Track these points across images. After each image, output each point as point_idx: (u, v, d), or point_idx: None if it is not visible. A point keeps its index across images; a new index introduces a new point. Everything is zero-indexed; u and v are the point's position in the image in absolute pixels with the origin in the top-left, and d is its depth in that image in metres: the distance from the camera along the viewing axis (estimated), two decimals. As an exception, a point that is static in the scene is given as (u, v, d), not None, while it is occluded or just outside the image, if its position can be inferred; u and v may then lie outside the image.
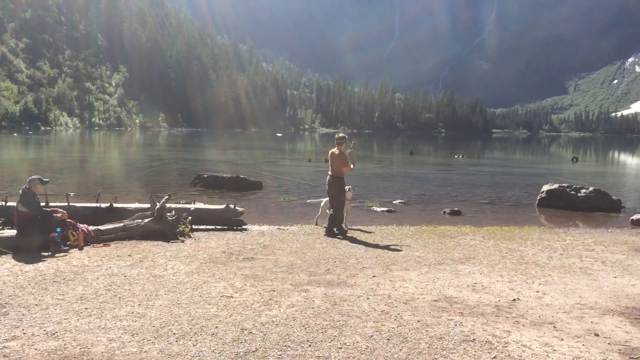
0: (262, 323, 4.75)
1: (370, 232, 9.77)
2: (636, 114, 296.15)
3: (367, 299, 5.59)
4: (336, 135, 9.84)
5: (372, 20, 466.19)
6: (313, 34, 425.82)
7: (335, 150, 9.63)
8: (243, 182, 16.99)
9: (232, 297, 5.52)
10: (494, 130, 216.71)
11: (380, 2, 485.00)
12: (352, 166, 9.61)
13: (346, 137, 9.82)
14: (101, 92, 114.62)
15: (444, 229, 10.53)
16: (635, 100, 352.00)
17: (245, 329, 4.58)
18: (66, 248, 7.56)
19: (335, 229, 9.48)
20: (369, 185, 18.66)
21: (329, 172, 9.70)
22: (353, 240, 9.04)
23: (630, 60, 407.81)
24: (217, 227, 9.81)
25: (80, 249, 7.61)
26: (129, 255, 7.28)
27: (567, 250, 8.65)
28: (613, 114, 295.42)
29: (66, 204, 8.99)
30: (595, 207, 14.22)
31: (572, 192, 14.69)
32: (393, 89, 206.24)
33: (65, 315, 4.83)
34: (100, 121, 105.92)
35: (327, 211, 10.57)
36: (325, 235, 9.36)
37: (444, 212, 13.32)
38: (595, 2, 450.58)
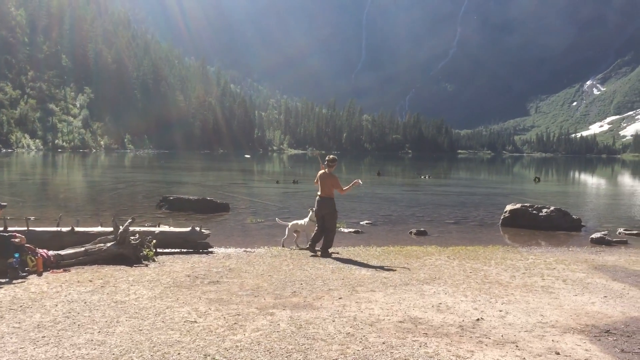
0: (225, 348, 4.68)
1: (337, 254, 9.78)
2: (595, 134, 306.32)
3: (333, 321, 5.57)
4: (329, 157, 10.06)
5: (340, 42, 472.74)
6: (280, 56, 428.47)
7: (325, 171, 9.84)
8: (210, 204, 16.83)
9: (195, 322, 5.43)
10: (460, 150, 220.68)
11: (347, 24, 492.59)
12: (344, 189, 9.97)
13: (336, 158, 10.22)
14: (65, 113, 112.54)
15: (410, 249, 10.62)
16: (594, 122, 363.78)
17: (209, 355, 4.51)
18: (24, 274, 7.32)
19: (318, 248, 9.80)
20: (337, 206, 18.67)
21: (319, 194, 9.86)
22: (320, 262, 9.03)
23: (588, 83, 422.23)
24: (183, 250, 9.67)
25: (39, 274, 7.39)
26: (90, 281, 7.10)
27: (530, 269, 8.81)
28: (573, 135, 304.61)
29: (25, 228, 8.74)
30: (556, 226, 14.56)
31: (534, 212, 15.02)
32: (360, 110, 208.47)
33: (21, 345, 4.67)
34: (64, 143, 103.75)
35: (294, 234, 10.63)
36: (321, 256, 9.51)
37: (411, 233, 13.43)
38: (554, 26, 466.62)
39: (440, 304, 6.42)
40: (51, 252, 7.94)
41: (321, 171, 9.95)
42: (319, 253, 9.69)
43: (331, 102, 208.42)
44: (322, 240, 9.91)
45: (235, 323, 5.41)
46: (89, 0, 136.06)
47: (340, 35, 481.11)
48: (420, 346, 4.88)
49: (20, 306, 5.83)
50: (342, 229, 13.34)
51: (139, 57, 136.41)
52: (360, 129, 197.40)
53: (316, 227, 10.07)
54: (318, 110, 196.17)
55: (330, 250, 9.82)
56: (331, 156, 10.14)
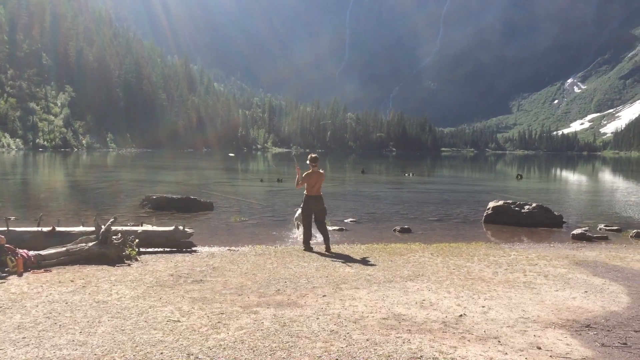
0: (209, 347, 4.66)
1: (321, 251, 9.79)
2: (576, 132, 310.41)
3: (317, 319, 5.57)
4: (311, 156, 10.38)
5: (323, 41, 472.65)
6: (264, 55, 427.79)
7: (315, 170, 10.14)
8: (193, 203, 16.71)
9: (179, 321, 5.39)
10: (443, 148, 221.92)
11: (330, 23, 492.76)
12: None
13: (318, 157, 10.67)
14: (46, 112, 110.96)
15: (394, 246, 10.65)
16: (575, 120, 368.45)
17: (192, 354, 4.48)
18: (4, 275, 7.23)
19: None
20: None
21: (312, 193, 10.13)
22: (304, 259, 9.02)
23: (569, 81, 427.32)
24: (166, 249, 9.60)
25: (20, 275, 7.29)
26: (72, 281, 7.02)
27: (512, 265, 8.89)
28: (554, 133, 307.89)
29: (5, 228, 8.63)
30: (538, 223, 14.70)
31: (517, 208, 15.15)
32: (344, 108, 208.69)
33: (1, 346, 4.60)
34: (45, 142, 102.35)
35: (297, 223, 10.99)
36: (326, 250, 9.86)
37: (395, 230, 13.48)
38: (535, 26, 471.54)
39: (423, 300, 6.46)
40: (32, 252, 7.84)
41: (309, 171, 10.07)
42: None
43: (315, 100, 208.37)
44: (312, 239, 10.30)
45: (219, 322, 5.39)
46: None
47: (324, 34, 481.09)
48: (403, 342, 4.91)
49: (0, 307, 5.75)
50: (327, 227, 13.32)
51: (121, 56, 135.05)
52: (345, 127, 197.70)
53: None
54: (302, 108, 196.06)
55: (316, 249, 9.93)
56: (313, 155, 10.46)
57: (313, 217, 10.21)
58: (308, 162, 10.15)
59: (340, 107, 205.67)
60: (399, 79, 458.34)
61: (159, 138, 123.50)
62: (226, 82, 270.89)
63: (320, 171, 10.29)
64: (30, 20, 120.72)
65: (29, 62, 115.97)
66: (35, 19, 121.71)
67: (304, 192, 10.27)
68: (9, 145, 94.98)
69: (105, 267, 7.98)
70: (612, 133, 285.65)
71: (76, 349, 4.55)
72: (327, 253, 9.65)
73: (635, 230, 13.32)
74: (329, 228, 13.13)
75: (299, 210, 10.77)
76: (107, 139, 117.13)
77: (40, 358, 4.35)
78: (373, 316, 5.73)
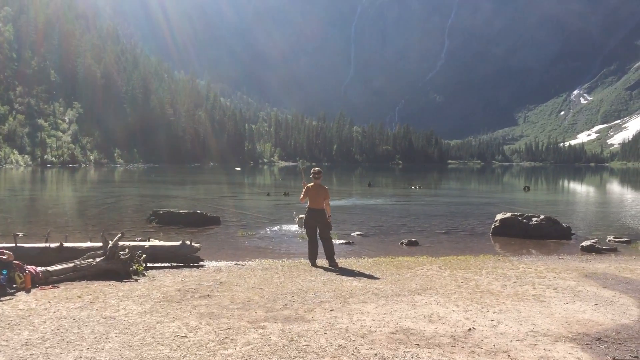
0: (216, 363, 4.64)
1: (328, 266, 9.75)
2: (583, 143, 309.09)
3: (325, 333, 5.54)
4: (314, 169, 10.27)
5: (328, 55, 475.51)
6: (270, 69, 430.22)
7: (317, 183, 10.03)
8: (200, 217, 16.76)
9: (186, 336, 5.38)
10: (450, 161, 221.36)
11: (335, 37, 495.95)
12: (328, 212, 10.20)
13: (321, 170, 10.50)
14: (54, 128, 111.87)
15: (401, 259, 10.61)
16: (582, 131, 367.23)
17: (199, 370, 4.46)
18: (12, 291, 7.24)
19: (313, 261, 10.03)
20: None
21: (311, 206, 10.01)
22: (311, 274, 8.99)
23: (575, 92, 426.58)
24: (173, 264, 9.61)
25: (28, 291, 7.31)
26: (79, 297, 7.03)
27: (521, 278, 8.82)
28: (561, 144, 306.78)
29: (13, 244, 8.66)
30: (546, 235, 14.62)
31: (525, 221, 15.08)
32: (350, 121, 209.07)
33: (9, 363, 4.60)
34: (53, 158, 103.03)
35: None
36: (330, 265, 9.72)
37: (402, 243, 13.43)
38: (539, 38, 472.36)
39: (432, 314, 6.41)
40: (39, 269, 7.86)
41: (310, 184, 10.02)
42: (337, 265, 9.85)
43: (321, 114, 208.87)
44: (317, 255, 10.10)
45: (226, 337, 5.37)
46: (77, 15, 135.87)
47: (329, 48, 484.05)
48: (412, 357, 4.87)
49: (8, 324, 5.75)
50: (334, 241, 13.28)
51: (128, 72, 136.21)
52: (351, 140, 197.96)
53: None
54: (308, 122, 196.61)
55: (322, 263, 9.85)
56: (316, 168, 10.39)
57: (318, 232, 10.11)
58: (311, 175, 10.16)
59: (346, 121, 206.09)
60: (405, 92, 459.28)
61: (166, 153, 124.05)
62: (232, 96, 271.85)
63: (325, 187, 10.16)
64: (38, 37, 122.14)
65: (37, 79, 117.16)
66: (43, 36, 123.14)
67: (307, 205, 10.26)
68: (17, 161, 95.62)
69: (112, 282, 7.98)
70: (619, 144, 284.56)
71: (84, 366, 4.54)
72: (334, 268, 9.59)
73: (644, 242, 13.20)
74: (336, 242, 13.11)
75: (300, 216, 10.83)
76: (115, 155, 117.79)
77: (48, 375, 4.35)
78: (381, 330, 5.69)
